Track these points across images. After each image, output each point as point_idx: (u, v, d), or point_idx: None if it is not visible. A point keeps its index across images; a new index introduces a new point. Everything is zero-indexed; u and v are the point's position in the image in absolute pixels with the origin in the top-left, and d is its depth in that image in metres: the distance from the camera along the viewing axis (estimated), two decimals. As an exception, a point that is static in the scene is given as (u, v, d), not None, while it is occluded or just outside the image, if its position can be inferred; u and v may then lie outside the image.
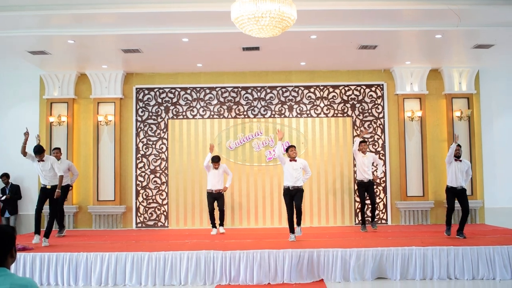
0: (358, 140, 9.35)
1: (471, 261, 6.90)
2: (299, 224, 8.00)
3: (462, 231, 8.00)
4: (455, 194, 8.23)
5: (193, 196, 10.95)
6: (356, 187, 10.25)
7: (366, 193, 9.28)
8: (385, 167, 10.84)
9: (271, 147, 10.99)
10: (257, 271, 6.77)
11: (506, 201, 10.90)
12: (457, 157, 8.20)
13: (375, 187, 10.20)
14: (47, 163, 7.95)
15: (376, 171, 10.08)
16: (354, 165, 10.95)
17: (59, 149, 9.43)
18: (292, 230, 8.00)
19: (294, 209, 7.96)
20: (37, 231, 8.05)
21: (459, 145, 8.30)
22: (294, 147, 8.19)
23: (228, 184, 9.55)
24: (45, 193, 8.04)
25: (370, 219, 9.57)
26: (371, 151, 10.40)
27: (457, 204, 8.34)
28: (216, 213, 9.50)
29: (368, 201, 9.49)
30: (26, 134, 7.83)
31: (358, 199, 10.87)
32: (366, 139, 9.88)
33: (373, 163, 9.51)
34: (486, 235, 8.29)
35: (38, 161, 7.91)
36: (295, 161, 8.04)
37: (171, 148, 11.08)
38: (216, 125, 11.11)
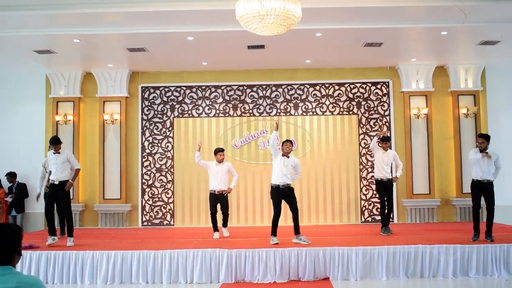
0: (375, 138, 8.83)
1: (477, 259, 6.86)
2: (298, 231, 7.30)
3: (490, 233, 7.33)
4: (481, 189, 7.44)
5: (199, 195, 10.95)
6: (375, 186, 9.42)
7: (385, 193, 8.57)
8: (392, 165, 10.55)
9: (276, 145, 10.90)
10: (263, 269, 6.76)
11: (513, 199, 10.82)
12: (482, 150, 7.41)
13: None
14: (63, 156, 7.64)
15: (396, 172, 9.08)
16: (360, 163, 10.94)
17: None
18: (274, 233, 7.27)
19: (291, 211, 7.34)
20: (51, 231, 7.59)
21: (484, 137, 7.46)
22: (291, 142, 7.72)
23: (233, 185, 8.49)
24: (53, 189, 7.62)
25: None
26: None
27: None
28: (219, 216, 8.50)
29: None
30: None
31: (364, 197, 10.87)
32: (388, 137, 9.00)
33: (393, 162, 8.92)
34: (494, 233, 8.16)
35: (54, 153, 7.64)
36: (288, 157, 7.49)
37: (177, 146, 11.09)
38: (222, 123, 11.11)
